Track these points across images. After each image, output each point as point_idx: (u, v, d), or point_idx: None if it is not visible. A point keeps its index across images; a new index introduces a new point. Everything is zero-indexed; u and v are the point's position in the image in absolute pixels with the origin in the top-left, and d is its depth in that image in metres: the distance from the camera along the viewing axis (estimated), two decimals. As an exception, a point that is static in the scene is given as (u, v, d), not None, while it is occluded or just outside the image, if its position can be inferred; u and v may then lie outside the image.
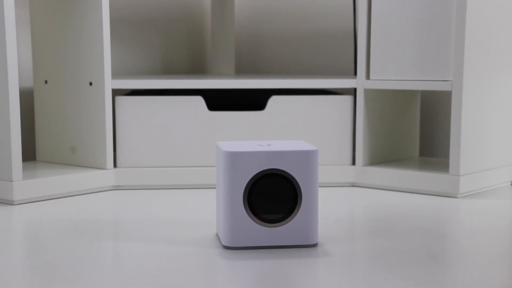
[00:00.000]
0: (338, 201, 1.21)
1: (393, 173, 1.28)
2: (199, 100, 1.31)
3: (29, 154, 1.42)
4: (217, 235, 0.95)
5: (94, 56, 1.26)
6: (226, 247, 0.88)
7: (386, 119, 1.37)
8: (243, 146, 0.89)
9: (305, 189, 0.87)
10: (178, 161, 1.31)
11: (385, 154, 1.38)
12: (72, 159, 1.32)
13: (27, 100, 1.42)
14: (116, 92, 1.36)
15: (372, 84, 1.29)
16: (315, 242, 0.89)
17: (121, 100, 1.30)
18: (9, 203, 1.15)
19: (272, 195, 0.87)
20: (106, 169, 1.27)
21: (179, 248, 0.88)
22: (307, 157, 0.87)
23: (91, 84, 1.28)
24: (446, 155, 1.48)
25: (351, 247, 0.90)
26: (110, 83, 1.27)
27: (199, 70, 1.79)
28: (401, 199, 1.21)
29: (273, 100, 1.32)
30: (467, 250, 0.90)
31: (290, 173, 0.87)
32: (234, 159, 0.86)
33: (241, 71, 1.80)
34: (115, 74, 1.56)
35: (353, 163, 1.34)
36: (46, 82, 1.35)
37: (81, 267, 0.80)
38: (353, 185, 1.33)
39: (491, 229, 1.00)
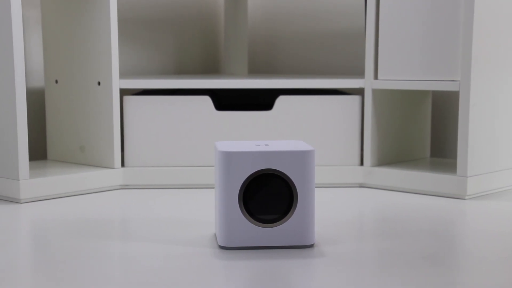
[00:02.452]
0: (344, 201, 1.20)
1: (401, 174, 1.27)
2: (207, 100, 1.31)
3: (40, 153, 1.43)
4: (215, 235, 0.95)
5: (102, 56, 1.27)
6: (221, 247, 0.88)
7: (395, 120, 1.36)
8: (240, 146, 0.89)
9: (301, 189, 0.87)
10: (185, 161, 1.31)
11: (394, 154, 1.37)
12: (82, 158, 1.33)
13: (39, 99, 1.44)
14: (126, 92, 1.37)
15: (380, 84, 1.29)
16: (312, 243, 0.88)
17: (129, 99, 1.31)
18: (16, 201, 1.16)
19: (268, 195, 0.87)
20: (114, 168, 1.28)
21: (177, 248, 0.89)
22: (303, 157, 0.86)
23: (99, 84, 1.29)
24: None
25: (348, 248, 0.89)
26: (118, 83, 1.27)
27: (212, 70, 1.79)
28: (407, 200, 1.20)
29: (281, 100, 1.32)
30: (470, 252, 0.89)
31: (285, 173, 0.86)
32: (229, 159, 0.86)
33: (254, 71, 1.80)
34: (129, 74, 1.57)
35: (361, 163, 1.33)
36: (56, 82, 1.36)
37: (85, 265, 0.81)
38: (361, 185, 1.32)
39: (497, 231, 0.99)
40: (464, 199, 1.20)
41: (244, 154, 0.86)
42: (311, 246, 0.88)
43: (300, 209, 0.87)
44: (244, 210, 0.86)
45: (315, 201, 1.16)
